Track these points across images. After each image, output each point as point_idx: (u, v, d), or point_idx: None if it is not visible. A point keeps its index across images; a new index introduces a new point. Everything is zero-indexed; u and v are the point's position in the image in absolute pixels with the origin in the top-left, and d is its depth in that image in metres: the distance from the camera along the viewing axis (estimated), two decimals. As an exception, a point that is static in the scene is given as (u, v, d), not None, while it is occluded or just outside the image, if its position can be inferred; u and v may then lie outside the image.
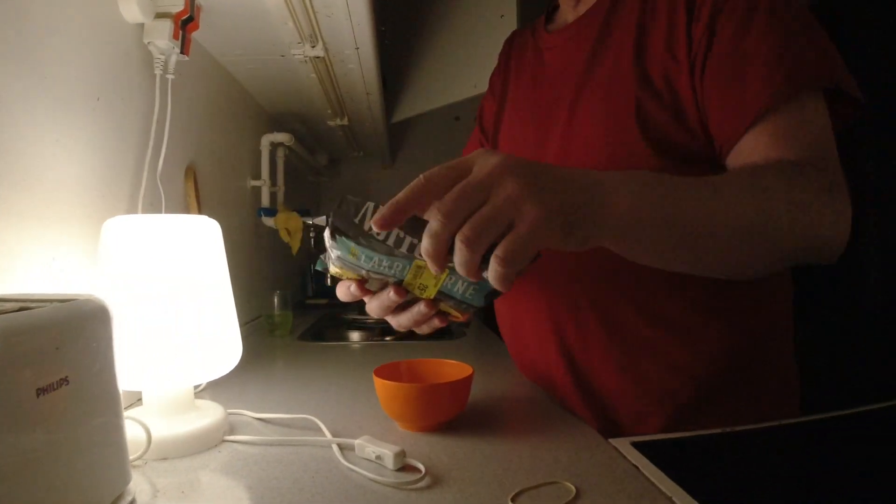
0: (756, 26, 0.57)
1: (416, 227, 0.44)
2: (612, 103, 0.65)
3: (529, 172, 0.41)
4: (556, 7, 0.81)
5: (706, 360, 0.64)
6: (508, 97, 0.85)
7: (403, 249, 0.45)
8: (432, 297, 0.48)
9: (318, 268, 0.51)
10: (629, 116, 0.63)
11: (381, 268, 0.46)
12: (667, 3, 0.63)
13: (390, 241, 0.44)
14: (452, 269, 0.44)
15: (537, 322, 0.74)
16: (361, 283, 0.50)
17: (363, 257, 0.45)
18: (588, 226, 0.43)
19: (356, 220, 0.44)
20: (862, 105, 0.58)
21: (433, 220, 0.39)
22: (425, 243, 0.40)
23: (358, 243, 0.44)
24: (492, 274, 0.40)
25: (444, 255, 0.40)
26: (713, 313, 0.64)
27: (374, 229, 0.41)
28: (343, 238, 0.44)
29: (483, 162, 0.41)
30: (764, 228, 0.50)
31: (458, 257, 0.39)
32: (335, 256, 0.46)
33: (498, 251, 0.39)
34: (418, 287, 0.48)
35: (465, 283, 0.46)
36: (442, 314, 0.51)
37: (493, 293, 0.47)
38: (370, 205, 0.44)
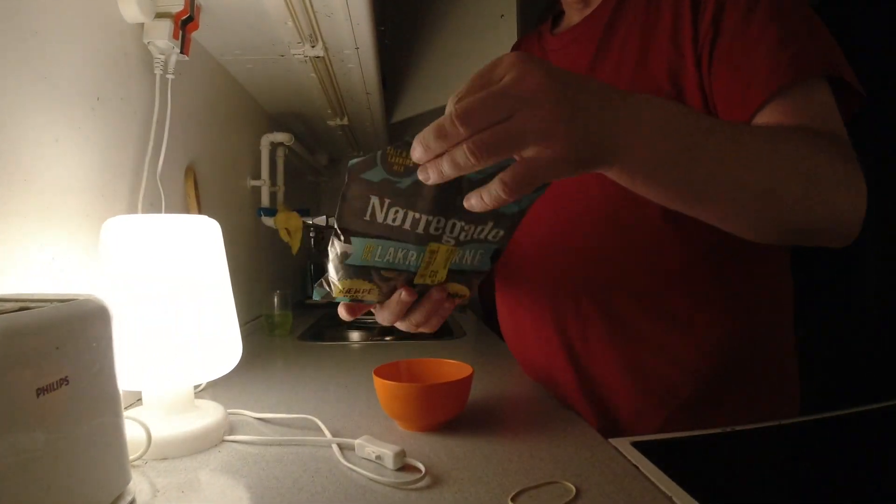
0: (758, 18, 0.57)
1: (435, 205, 0.43)
2: None
3: (564, 96, 0.39)
4: (561, 11, 0.81)
5: (707, 355, 0.64)
6: None
7: (420, 230, 0.44)
8: (444, 279, 0.49)
9: (317, 297, 0.48)
10: None
11: (396, 260, 0.45)
12: (672, 1, 0.63)
13: (407, 225, 0.43)
14: (459, 243, 0.46)
15: (538, 318, 0.74)
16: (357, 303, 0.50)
17: (378, 251, 0.44)
18: (601, 165, 0.42)
19: (366, 218, 0.43)
20: (862, 99, 0.58)
21: (445, 117, 0.37)
22: (425, 141, 0.38)
23: (373, 237, 0.43)
24: (490, 196, 0.39)
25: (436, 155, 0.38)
26: (715, 309, 0.64)
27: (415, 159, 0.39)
28: (357, 238, 0.43)
29: (521, 70, 0.38)
30: (775, 193, 0.48)
31: (458, 160, 0.37)
32: (346, 265, 0.45)
33: (506, 177, 0.39)
34: (430, 274, 0.48)
35: (472, 253, 0.47)
36: (451, 297, 0.51)
37: (498, 252, 0.48)
38: (378, 153, 0.41)
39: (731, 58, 0.58)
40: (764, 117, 0.56)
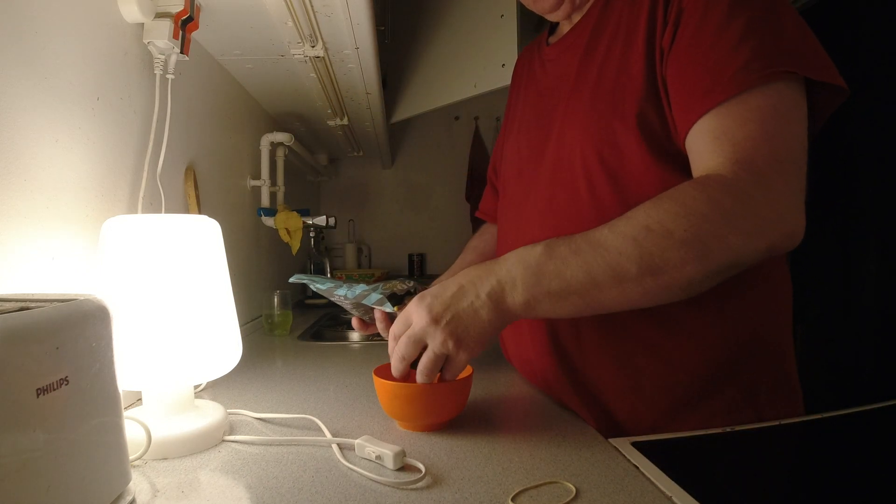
0: (716, 16, 0.57)
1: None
2: (599, 104, 0.66)
3: (428, 315, 0.58)
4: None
5: (703, 356, 0.64)
6: (517, 116, 0.86)
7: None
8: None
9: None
10: (615, 116, 0.64)
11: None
12: (649, 2, 0.63)
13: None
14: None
15: (532, 321, 0.74)
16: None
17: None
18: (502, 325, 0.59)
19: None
20: (845, 90, 0.58)
21: (396, 355, 0.61)
22: (394, 364, 0.62)
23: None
24: (421, 376, 0.60)
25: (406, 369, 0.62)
26: (709, 309, 0.64)
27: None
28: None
29: (411, 307, 0.60)
30: (653, 270, 0.53)
31: (394, 359, 0.62)
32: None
33: (420, 366, 0.60)
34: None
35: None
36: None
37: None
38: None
39: (680, 64, 0.59)
40: (698, 133, 0.58)
